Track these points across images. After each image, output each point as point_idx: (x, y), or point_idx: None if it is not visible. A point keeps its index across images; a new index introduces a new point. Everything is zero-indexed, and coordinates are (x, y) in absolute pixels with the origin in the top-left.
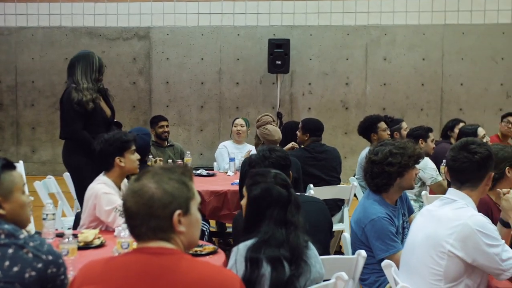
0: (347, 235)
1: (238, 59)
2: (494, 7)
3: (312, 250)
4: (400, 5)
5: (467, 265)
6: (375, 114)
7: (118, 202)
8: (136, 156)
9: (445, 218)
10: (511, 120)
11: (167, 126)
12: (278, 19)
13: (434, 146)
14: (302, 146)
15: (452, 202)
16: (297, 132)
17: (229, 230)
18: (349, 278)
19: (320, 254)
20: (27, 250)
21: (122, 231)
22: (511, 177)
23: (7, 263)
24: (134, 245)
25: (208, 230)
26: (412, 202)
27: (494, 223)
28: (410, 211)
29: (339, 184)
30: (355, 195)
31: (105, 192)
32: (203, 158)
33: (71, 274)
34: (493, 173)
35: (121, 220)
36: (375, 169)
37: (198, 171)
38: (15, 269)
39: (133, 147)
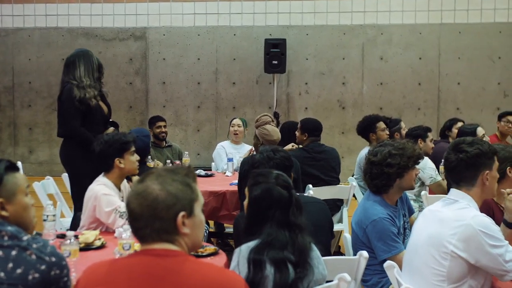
0: (348, 235)
1: (234, 59)
2: (490, 6)
3: (315, 251)
4: (397, 4)
5: (471, 266)
6: (374, 114)
7: (118, 203)
8: (136, 157)
9: (448, 219)
10: (511, 119)
11: (164, 126)
12: (274, 19)
13: (433, 145)
14: (301, 146)
15: (454, 203)
16: (296, 132)
17: (228, 230)
18: (351, 279)
19: (322, 255)
20: (31, 252)
21: (123, 233)
22: None
23: (10, 265)
24: (136, 246)
25: (207, 231)
26: (411, 202)
27: (496, 223)
28: (411, 212)
29: (338, 184)
30: (354, 196)
31: (105, 194)
32: (200, 158)
33: (73, 275)
34: (492, 172)
35: (121, 222)
36: (374, 170)
37: (197, 172)
38: (19, 271)
39: (133, 148)
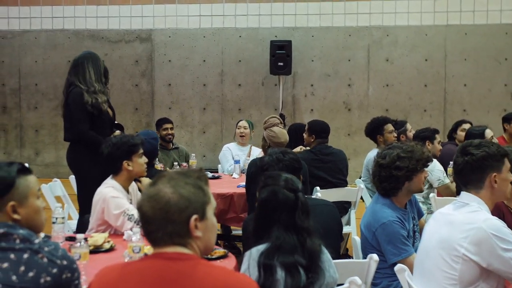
0: (357, 238)
1: (240, 61)
2: (497, 7)
3: (326, 254)
4: (402, 6)
5: (483, 269)
6: (382, 116)
7: (127, 206)
8: (144, 159)
9: (459, 222)
10: None
11: (171, 128)
12: (280, 21)
13: (440, 147)
14: (309, 148)
15: (465, 205)
16: (304, 134)
17: (234, 232)
18: (362, 283)
19: (332, 258)
20: (42, 255)
21: (132, 235)
22: None
23: (22, 268)
24: (146, 249)
25: None
26: (420, 205)
27: (508, 226)
28: (420, 215)
29: (346, 186)
30: (361, 198)
31: (113, 196)
32: (206, 160)
33: (83, 279)
34: (501, 174)
35: (129, 224)
36: (383, 173)
37: None
38: (31, 274)
39: (141, 151)
